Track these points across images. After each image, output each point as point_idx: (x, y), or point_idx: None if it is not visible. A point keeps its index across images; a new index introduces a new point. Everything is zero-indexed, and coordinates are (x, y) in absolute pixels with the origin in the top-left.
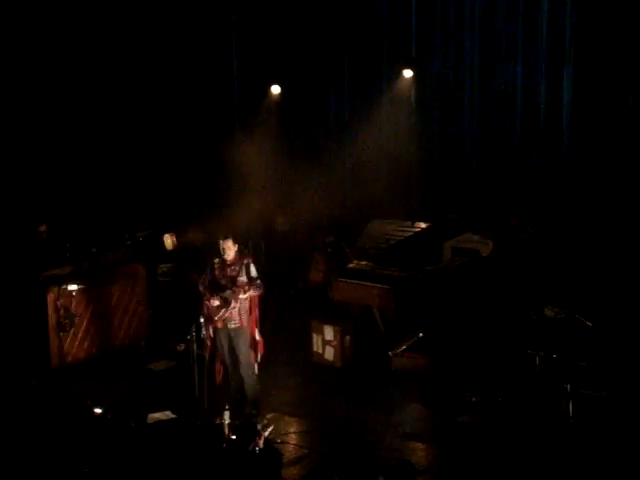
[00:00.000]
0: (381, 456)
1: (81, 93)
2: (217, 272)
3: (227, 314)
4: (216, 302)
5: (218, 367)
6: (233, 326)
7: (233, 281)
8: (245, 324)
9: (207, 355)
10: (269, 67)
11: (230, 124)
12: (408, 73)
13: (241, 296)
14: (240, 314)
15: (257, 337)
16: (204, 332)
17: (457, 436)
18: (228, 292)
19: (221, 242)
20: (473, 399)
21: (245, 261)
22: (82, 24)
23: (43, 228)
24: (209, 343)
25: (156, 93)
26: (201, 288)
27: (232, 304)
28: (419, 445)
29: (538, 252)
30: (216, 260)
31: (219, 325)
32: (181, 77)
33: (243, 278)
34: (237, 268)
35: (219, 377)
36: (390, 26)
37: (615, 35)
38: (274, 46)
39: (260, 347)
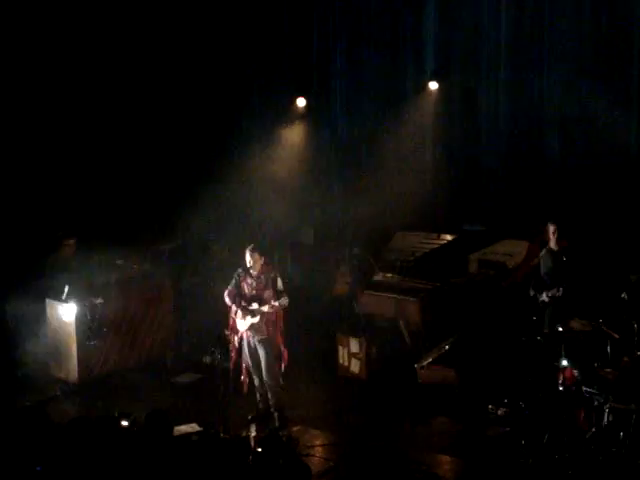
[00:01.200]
0: (408, 469)
1: (106, 107)
2: (243, 284)
3: (253, 325)
4: (242, 315)
5: (244, 379)
6: (258, 338)
7: (259, 294)
8: (271, 335)
9: (232, 367)
10: (295, 80)
11: (254, 136)
12: (433, 85)
13: (266, 309)
14: (266, 326)
15: (282, 348)
16: (230, 344)
17: (484, 449)
18: (254, 305)
19: (247, 254)
20: (499, 412)
21: (272, 274)
22: (102, 37)
23: (72, 241)
24: (234, 355)
25: (180, 104)
26: (227, 300)
27: (257, 317)
28: (446, 458)
29: (571, 263)
30: (239, 271)
31: (246, 337)
32: (202, 91)
33: (269, 291)
34: (263, 281)
35: (244, 388)
36: (414, 38)
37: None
38: (299, 58)
39: (285, 357)
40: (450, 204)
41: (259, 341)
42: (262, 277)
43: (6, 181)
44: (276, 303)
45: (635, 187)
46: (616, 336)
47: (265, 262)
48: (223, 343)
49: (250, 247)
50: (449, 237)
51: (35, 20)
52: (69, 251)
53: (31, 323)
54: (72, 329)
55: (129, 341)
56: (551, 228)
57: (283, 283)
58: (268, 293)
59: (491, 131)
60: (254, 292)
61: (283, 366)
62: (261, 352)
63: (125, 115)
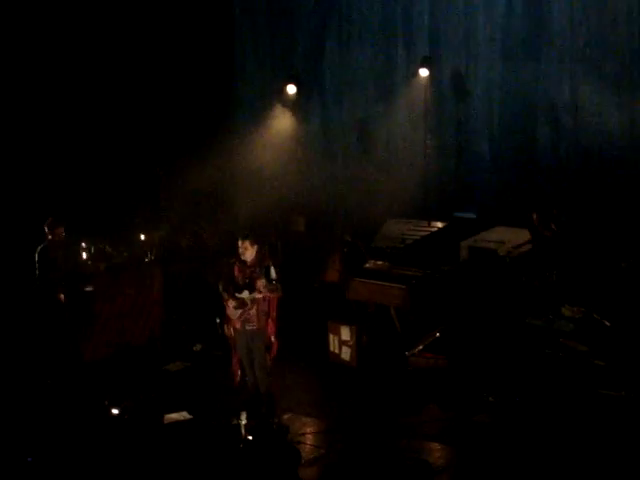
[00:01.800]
0: (398, 457)
1: (96, 97)
2: (236, 273)
3: (245, 315)
4: (233, 303)
5: (235, 368)
6: (250, 328)
7: (252, 283)
8: (262, 326)
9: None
10: (285, 66)
11: (245, 123)
12: (424, 72)
13: (256, 295)
14: (258, 316)
15: (273, 339)
16: (225, 331)
17: (474, 436)
18: (245, 293)
19: (239, 242)
20: (490, 399)
21: (265, 263)
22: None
23: (61, 229)
24: (231, 342)
25: (167, 91)
26: (220, 288)
27: (248, 305)
28: (436, 445)
29: (560, 250)
30: (232, 260)
31: (237, 326)
32: (192, 77)
33: (262, 280)
34: (257, 270)
35: (236, 378)
36: (405, 24)
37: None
38: (290, 45)
39: (273, 350)
40: (441, 191)
41: (250, 331)
42: (255, 266)
43: None
44: (265, 290)
45: (627, 176)
46: (607, 324)
47: (258, 250)
48: (215, 331)
49: (242, 235)
50: (440, 224)
51: (25, 20)
52: (58, 239)
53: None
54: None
55: (119, 329)
56: (534, 216)
57: (276, 272)
58: (261, 282)
59: (482, 118)
60: (247, 281)
61: (270, 358)
62: (253, 343)
63: (113, 100)
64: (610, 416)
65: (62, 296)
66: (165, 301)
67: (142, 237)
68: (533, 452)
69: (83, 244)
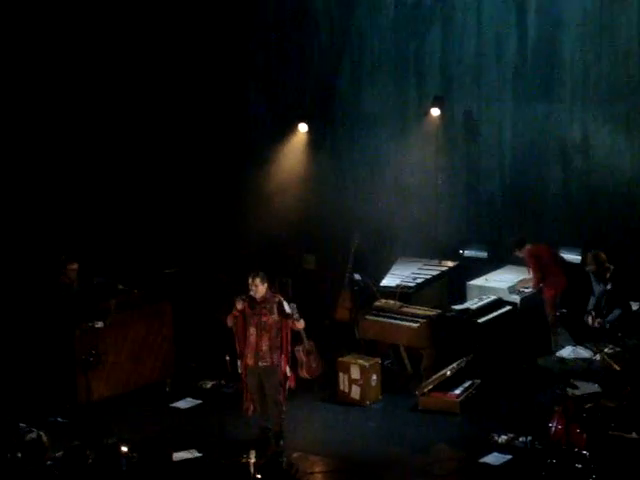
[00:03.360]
0: None
1: (110, 125)
2: (247, 310)
3: (258, 353)
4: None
5: (247, 404)
6: (263, 364)
7: (263, 320)
8: (275, 363)
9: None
10: (297, 105)
11: (257, 162)
12: (435, 112)
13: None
14: (271, 353)
15: (288, 373)
16: (239, 368)
17: (484, 477)
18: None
19: (250, 280)
20: (501, 440)
21: (276, 299)
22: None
23: (74, 266)
24: (241, 379)
25: (178, 129)
26: (229, 324)
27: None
28: None
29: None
30: (243, 297)
31: (250, 363)
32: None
33: (274, 316)
34: (268, 306)
35: (249, 413)
36: (417, 65)
37: None
38: (301, 84)
39: (291, 381)
40: (452, 230)
41: (263, 368)
42: (265, 303)
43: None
44: (299, 323)
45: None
46: (617, 368)
47: (269, 288)
48: (225, 369)
49: (252, 273)
50: (450, 263)
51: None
52: (72, 275)
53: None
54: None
55: (129, 366)
56: (602, 256)
57: (290, 306)
58: (272, 319)
59: (493, 157)
60: (257, 318)
61: (287, 390)
62: (265, 380)
63: (127, 138)
64: (621, 458)
65: (77, 332)
66: (175, 338)
67: (154, 274)
68: None
69: (94, 280)
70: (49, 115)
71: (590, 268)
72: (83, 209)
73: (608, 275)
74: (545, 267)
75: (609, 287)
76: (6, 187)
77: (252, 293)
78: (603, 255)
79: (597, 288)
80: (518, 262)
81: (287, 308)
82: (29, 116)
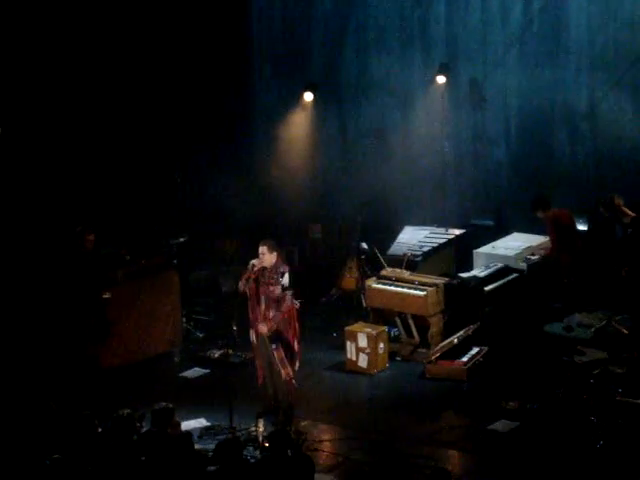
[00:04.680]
0: (416, 464)
1: (117, 99)
2: (258, 276)
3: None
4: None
5: (259, 372)
6: (271, 333)
7: (269, 289)
8: (281, 331)
9: (247, 360)
10: (303, 73)
11: (262, 129)
12: (441, 79)
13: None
14: (279, 322)
15: (296, 345)
16: (252, 337)
17: (492, 444)
18: (262, 327)
19: (259, 249)
20: (509, 406)
21: (281, 269)
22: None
23: (91, 237)
24: (252, 347)
25: (185, 98)
26: (242, 288)
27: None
28: (454, 453)
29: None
30: (253, 262)
31: (259, 331)
32: (210, 85)
33: (278, 287)
34: (276, 276)
35: (260, 380)
36: (422, 32)
37: None
38: (307, 52)
39: (298, 355)
40: (459, 198)
41: (269, 337)
42: (274, 273)
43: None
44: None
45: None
46: (625, 332)
47: (278, 257)
48: (233, 338)
49: (261, 242)
50: (457, 231)
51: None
52: (89, 246)
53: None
54: None
55: (137, 336)
56: (617, 201)
57: (289, 280)
58: (278, 289)
59: (499, 125)
60: (265, 287)
61: (297, 365)
62: (271, 347)
63: (132, 108)
64: (629, 423)
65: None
66: (183, 307)
67: (161, 243)
68: (550, 460)
69: (101, 250)
70: (58, 90)
71: (601, 210)
72: (92, 178)
73: (627, 220)
74: (565, 232)
75: (629, 232)
76: (23, 163)
77: (259, 261)
78: (618, 199)
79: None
80: (525, 229)
81: (286, 280)
82: (40, 93)
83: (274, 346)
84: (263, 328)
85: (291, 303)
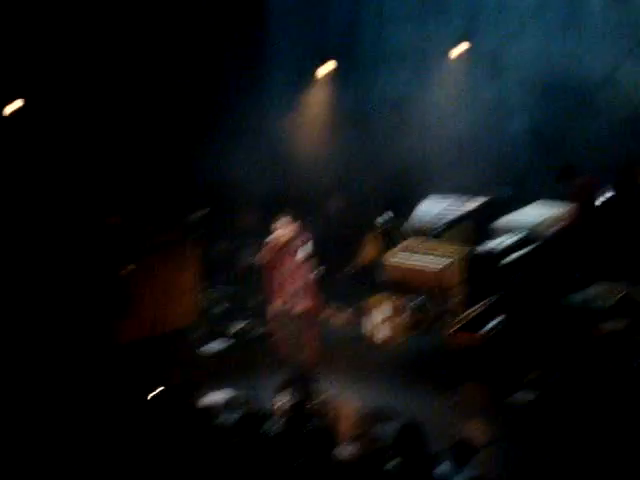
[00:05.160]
0: (439, 435)
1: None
2: (278, 248)
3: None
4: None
5: (281, 344)
6: (292, 305)
7: (290, 260)
8: (307, 304)
9: (267, 334)
10: (320, 43)
11: (280, 101)
12: (461, 48)
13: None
14: (299, 293)
15: (317, 317)
16: (269, 309)
17: (514, 414)
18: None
19: (278, 221)
20: (530, 376)
21: (302, 239)
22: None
23: (116, 220)
24: (268, 321)
25: (198, 70)
26: (262, 260)
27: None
28: (475, 424)
29: None
30: (273, 235)
31: (280, 303)
32: (224, 56)
33: (300, 257)
34: (295, 247)
35: (282, 353)
36: (441, 1)
37: None
38: (325, 21)
39: (315, 327)
40: (479, 169)
41: (296, 310)
42: (293, 244)
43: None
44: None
45: None
46: None
47: (296, 228)
48: (255, 310)
49: (280, 214)
50: (478, 202)
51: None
52: (115, 224)
53: None
54: None
55: (157, 310)
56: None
57: (311, 249)
58: (299, 260)
59: (517, 94)
60: (285, 259)
61: (315, 335)
62: (294, 320)
63: (149, 83)
64: None
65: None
66: (203, 281)
67: (181, 217)
68: (571, 431)
69: (122, 224)
70: (79, 68)
71: (622, 179)
72: (113, 153)
73: None
74: (589, 201)
75: None
76: (45, 134)
77: (278, 234)
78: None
79: None
80: (546, 198)
81: (308, 250)
82: (62, 69)
83: (299, 317)
84: (301, 303)
85: (314, 271)
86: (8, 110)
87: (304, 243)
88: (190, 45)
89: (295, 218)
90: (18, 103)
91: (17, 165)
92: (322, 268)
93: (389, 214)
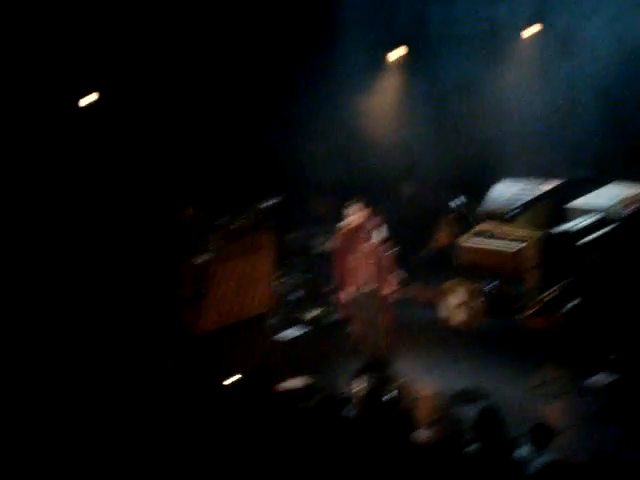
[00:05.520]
0: (517, 417)
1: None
2: (350, 235)
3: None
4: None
5: (356, 329)
6: (366, 289)
7: (363, 246)
8: (380, 287)
9: (342, 319)
10: (391, 28)
11: (351, 88)
12: (532, 30)
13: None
14: (373, 277)
15: (389, 300)
16: (342, 295)
17: (594, 396)
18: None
19: (348, 207)
20: (609, 358)
21: (374, 224)
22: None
23: (190, 211)
24: (343, 307)
25: (271, 55)
26: (334, 247)
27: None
28: (555, 407)
29: None
30: (343, 223)
31: (354, 287)
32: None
33: (373, 242)
34: (368, 233)
35: (356, 339)
36: None
37: None
38: (395, 6)
39: (389, 312)
40: (554, 150)
41: (366, 293)
42: (365, 229)
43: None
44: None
45: None
46: None
47: (368, 214)
48: (329, 297)
49: (351, 200)
50: (552, 184)
51: None
52: (186, 219)
53: None
54: None
55: (234, 297)
56: None
57: (385, 232)
58: (372, 244)
59: (591, 78)
60: (357, 244)
61: (389, 320)
62: (368, 304)
63: (223, 76)
64: None
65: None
66: (278, 269)
67: (255, 206)
68: None
69: (198, 214)
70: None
71: None
72: (186, 144)
73: None
74: None
75: None
76: (120, 128)
77: (350, 220)
78: None
79: None
80: (621, 180)
81: (382, 234)
82: (139, 65)
83: (374, 301)
84: (387, 289)
85: (388, 254)
86: (83, 102)
87: (376, 227)
88: (263, 34)
89: (367, 203)
90: (93, 96)
91: (91, 157)
92: (396, 249)
93: (463, 198)
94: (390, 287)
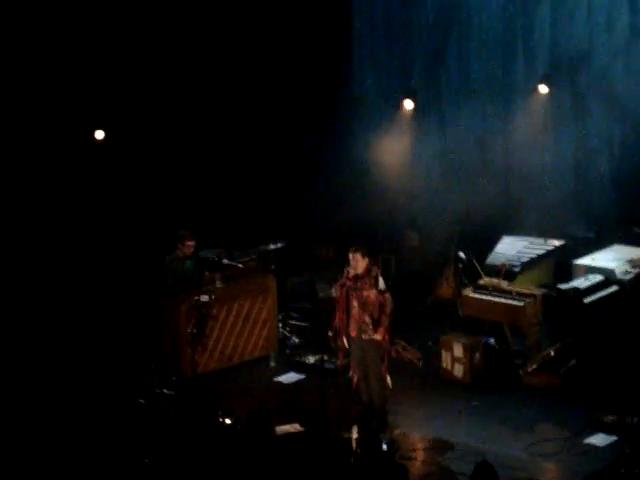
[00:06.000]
0: (512, 476)
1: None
2: (350, 284)
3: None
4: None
5: (353, 376)
6: (365, 337)
7: (363, 294)
8: (377, 339)
9: (340, 366)
10: (403, 81)
11: (362, 136)
12: (543, 89)
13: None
14: (373, 326)
15: (388, 348)
16: (338, 343)
17: (589, 457)
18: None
19: (350, 255)
20: (607, 420)
21: (374, 274)
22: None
23: (192, 242)
24: (341, 355)
25: (284, 102)
26: (336, 294)
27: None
28: (549, 465)
29: None
30: (347, 269)
31: (353, 334)
32: (310, 93)
33: (374, 292)
34: (369, 281)
35: (353, 382)
36: (525, 40)
37: None
38: (408, 60)
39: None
40: (559, 209)
41: (365, 341)
42: (367, 278)
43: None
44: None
45: None
46: None
47: (369, 263)
48: (329, 344)
49: (353, 248)
50: (557, 242)
51: None
52: (187, 251)
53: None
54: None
55: (233, 339)
56: None
57: (385, 283)
58: (374, 293)
59: (601, 135)
60: (359, 292)
61: (385, 368)
62: (366, 352)
63: (229, 114)
64: None
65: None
66: (279, 313)
67: (259, 249)
68: None
69: (200, 254)
70: (158, 95)
71: None
72: (192, 182)
73: None
74: None
75: None
76: (126, 167)
77: (352, 268)
78: None
79: None
80: (626, 242)
81: (382, 284)
82: (141, 98)
83: (371, 351)
84: (378, 336)
85: (392, 305)
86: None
87: (376, 277)
88: (277, 77)
89: (368, 252)
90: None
91: (98, 191)
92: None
93: (467, 251)
94: (386, 338)
